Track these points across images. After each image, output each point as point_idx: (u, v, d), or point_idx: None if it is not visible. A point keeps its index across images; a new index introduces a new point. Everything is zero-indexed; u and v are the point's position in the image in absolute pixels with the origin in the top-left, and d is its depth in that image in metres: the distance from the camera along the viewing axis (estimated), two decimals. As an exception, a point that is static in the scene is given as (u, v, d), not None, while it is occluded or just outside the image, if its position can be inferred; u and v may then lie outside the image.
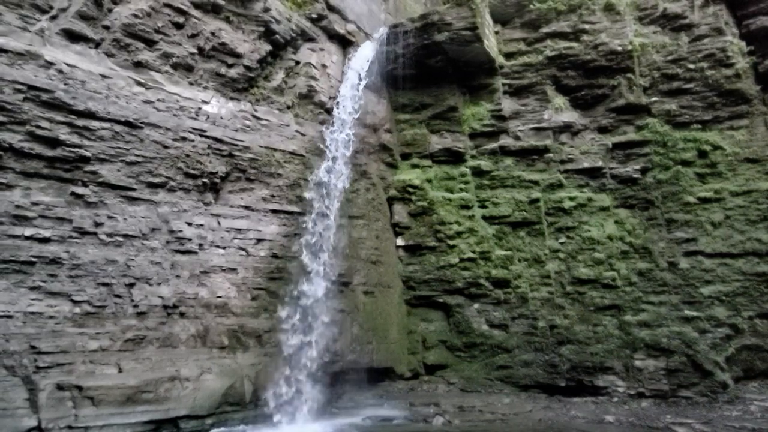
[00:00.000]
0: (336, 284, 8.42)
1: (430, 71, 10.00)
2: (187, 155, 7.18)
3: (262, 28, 8.11)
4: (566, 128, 9.70)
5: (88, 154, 6.27)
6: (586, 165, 9.46)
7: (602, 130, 9.60)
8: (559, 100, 9.76)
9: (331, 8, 9.40)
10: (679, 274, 8.62)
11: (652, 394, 8.08)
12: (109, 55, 6.67)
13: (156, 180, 6.90)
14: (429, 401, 8.07)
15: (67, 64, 6.19)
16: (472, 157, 10.11)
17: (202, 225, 7.29)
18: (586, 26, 9.56)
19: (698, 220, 8.70)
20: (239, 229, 7.66)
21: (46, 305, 5.81)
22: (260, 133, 8.13)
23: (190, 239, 7.10)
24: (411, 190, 10.04)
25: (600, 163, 9.37)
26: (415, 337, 9.76)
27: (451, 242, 9.71)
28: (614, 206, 9.28)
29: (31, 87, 5.84)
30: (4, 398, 5.22)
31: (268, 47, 8.25)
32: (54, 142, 6.03)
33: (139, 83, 6.85)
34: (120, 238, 6.48)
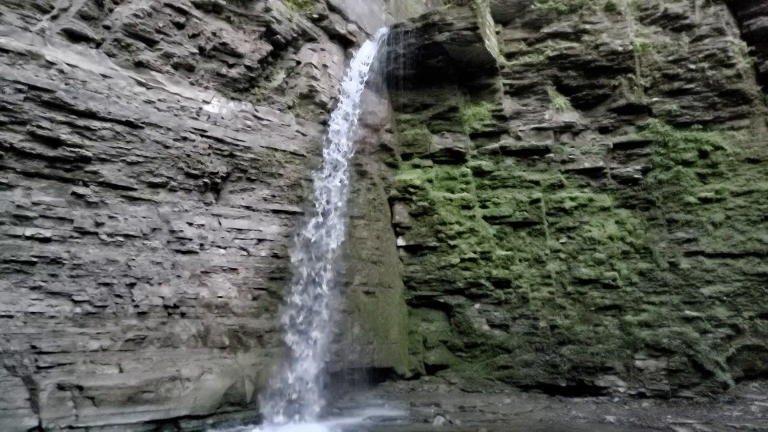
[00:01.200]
0: (338, 286, 8.14)
1: (430, 71, 10.00)
2: (188, 155, 7.18)
3: (263, 28, 8.11)
4: (567, 128, 9.70)
5: (89, 154, 6.27)
6: (587, 165, 9.45)
7: (603, 130, 9.60)
8: (560, 100, 9.75)
9: (332, 8, 9.40)
10: (680, 274, 8.62)
11: (653, 394, 8.08)
12: (110, 55, 6.67)
13: (157, 180, 6.89)
14: (430, 401, 8.07)
15: (68, 64, 6.19)
16: (473, 157, 10.11)
17: (203, 225, 7.28)
18: (587, 26, 9.56)
19: (699, 220, 8.69)
20: (240, 229, 7.66)
21: (47, 305, 5.80)
22: (261, 133, 8.13)
23: (190, 239, 7.10)
24: (412, 190, 10.04)
25: (601, 164, 9.37)
26: (416, 337, 9.76)
27: (451, 242, 9.71)
28: (615, 206, 9.28)
29: (32, 87, 5.84)
30: (4, 398, 5.22)
31: (269, 47, 8.25)
32: (55, 142, 6.03)
33: (140, 83, 6.85)
34: (121, 238, 6.47)
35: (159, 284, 6.70)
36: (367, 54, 9.53)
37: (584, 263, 9.10)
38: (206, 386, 6.50)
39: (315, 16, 9.11)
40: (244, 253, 7.66)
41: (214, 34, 7.54)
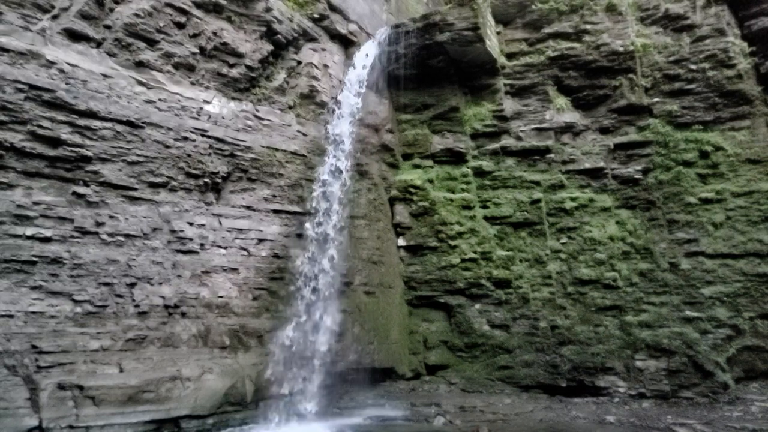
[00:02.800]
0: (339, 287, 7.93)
1: (431, 71, 9.99)
2: (189, 155, 7.18)
3: (263, 28, 8.11)
4: (568, 129, 9.70)
5: (90, 153, 6.27)
6: (587, 165, 9.45)
7: (604, 130, 9.60)
8: (561, 101, 9.75)
9: (333, 8, 9.40)
10: (681, 274, 8.62)
11: (653, 394, 8.08)
12: (111, 54, 6.66)
13: (157, 180, 6.89)
14: (430, 401, 8.06)
15: (69, 64, 6.18)
16: (474, 157, 10.10)
17: (203, 225, 7.28)
18: (588, 26, 9.56)
19: (699, 220, 8.69)
20: (241, 229, 7.66)
21: (48, 305, 5.80)
22: (262, 133, 8.12)
23: (191, 239, 7.10)
24: (412, 190, 10.03)
25: (601, 164, 9.37)
26: (417, 337, 9.75)
27: (452, 242, 9.70)
28: (616, 207, 9.28)
29: (32, 86, 5.84)
30: (5, 398, 5.22)
31: (269, 47, 8.24)
32: (55, 142, 6.03)
33: (140, 83, 6.85)
34: (121, 238, 6.47)
35: (159, 284, 6.70)
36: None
37: (585, 264, 9.10)
38: (206, 386, 6.49)
39: (316, 16, 9.10)
40: (245, 253, 7.66)
41: (214, 33, 7.54)
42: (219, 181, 7.52)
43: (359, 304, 8.91)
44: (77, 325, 5.95)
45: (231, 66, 7.79)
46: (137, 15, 6.74)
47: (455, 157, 10.16)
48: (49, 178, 6.04)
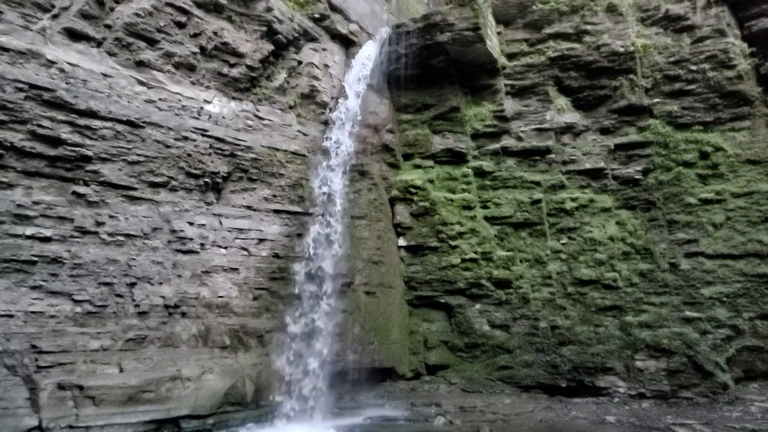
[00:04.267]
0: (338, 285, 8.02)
1: (432, 72, 9.99)
2: (189, 155, 7.17)
3: (264, 28, 8.10)
4: (568, 129, 9.70)
5: (90, 153, 6.26)
6: (587, 166, 9.45)
7: (604, 131, 9.60)
8: (561, 101, 9.75)
9: (334, 8, 9.39)
10: (680, 275, 8.62)
11: (653, 394, 8.09)
12: (111, 54, 6.65)
13: (158, 179, 6.88)
14: (430, 401, 8.07)
15: (69, 63, 6.18)
16: (474, 157, 10.10)
17: (203, 225, 7.27)
18: (589, 27, 9.56)
19: (699, 221, 8.70)
20: (241, 229, 7.65)
21: (47, 304, 5.79)
22: (262, 133, 8.12)
23: (191, 239, 7.09)
24: (413, 190, 10.03)
25: (602, 164, 9.37)
26: (417, 337, 9.75)
27: (452, 243, 9.70)
28: (616, 207, 9.28)
29: (32, 86, 5.83)
30: (5, 397, 5.21)
31: (270, 47, 8.24)
32: (55, 141, 6.02)
33: (141, 82, 6.84)
34: (121, 238, 6.46)
35: (160, 284, 6.69)
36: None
37: (585, 264, 9.11)
38: (207, 386, 6.49)
39: (316, 15, 9.10)
40: (245, 252, 7.65)
41: (215, 33, 7.53)
42: (219, 180, 7.52)
43: (359, 304, 8.91)
44: (77, 325, 5.95)
45: (231, 66, 7.78)
46: (138, 14, 6.73)
47: (456, 158, 10.15)
48: (49, 177, 6.03)
